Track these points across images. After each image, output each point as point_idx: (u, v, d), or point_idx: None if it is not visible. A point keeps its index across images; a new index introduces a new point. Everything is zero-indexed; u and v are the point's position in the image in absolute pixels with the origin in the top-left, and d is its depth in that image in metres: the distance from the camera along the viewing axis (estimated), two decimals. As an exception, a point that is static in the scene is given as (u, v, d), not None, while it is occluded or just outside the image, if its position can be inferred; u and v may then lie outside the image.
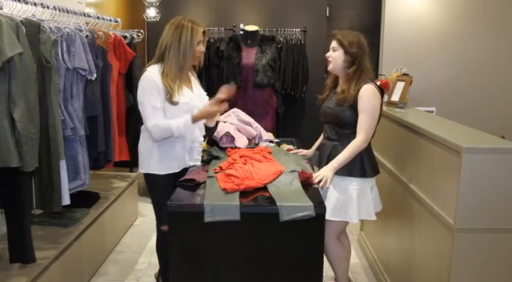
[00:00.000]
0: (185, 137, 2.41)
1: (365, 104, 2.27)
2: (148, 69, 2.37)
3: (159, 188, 2.46)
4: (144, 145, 2.46)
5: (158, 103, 2.31)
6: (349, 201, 2.33)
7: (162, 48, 2.36)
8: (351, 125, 2.31)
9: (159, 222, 2.55)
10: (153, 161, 2.42)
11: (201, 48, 2.41)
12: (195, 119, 2.36)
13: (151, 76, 2.32)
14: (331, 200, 2.35)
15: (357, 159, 2.32)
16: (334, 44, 2.37)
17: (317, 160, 2.47)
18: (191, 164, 2.50)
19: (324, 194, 2.37)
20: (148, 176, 2.47)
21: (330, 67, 2.41)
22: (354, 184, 2.33)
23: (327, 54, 2.40)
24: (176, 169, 2.44)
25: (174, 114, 2.34)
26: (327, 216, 2.31)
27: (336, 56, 2.36)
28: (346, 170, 2.32)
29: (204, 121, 2.50)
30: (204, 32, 2.41)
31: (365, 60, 2.33)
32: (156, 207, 2.53)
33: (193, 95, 2.45)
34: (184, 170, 2.44)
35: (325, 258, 2.04)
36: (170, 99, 2.31)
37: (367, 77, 2.33)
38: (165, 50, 2.35)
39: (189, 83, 2.48)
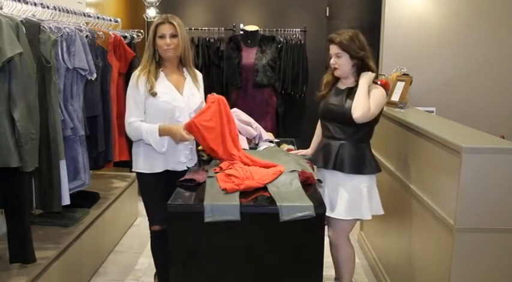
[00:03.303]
0: (165, 137, 2.39)
1: (374, 103, 2.28)
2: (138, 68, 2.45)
3: (146, 188, 2.52)
4: (135, 144, 2.50)
5: (137, 100, 2.36)
6: (361, 199, 2.34)
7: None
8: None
9: (150, 222, 2.56)
10: (140, 160, 2.46)
11: (166, 41, 2.35)
12: (162, 131, 2.33)
13: (135, 73, 2.41)
14: (343, 200, 2.35)
15: (366, 157, 2.34)
16: (336, 49, 2.33)
17: (322, 161, 2.42)
18: (178, 168, 2.46)
19: (335, 194, 2.38)
20: (137, 175, 2.53)
21: (337, 73, 2.39)
22: (363, 182, 2.35)
23: (332, 62, 2.37)
24: (159, 169, 2.44)
25: (153, 111, 2.37)
26: (342, 217, 2.34)
27: (342, 63, 2.33)
28: (354, 169, 2.33)
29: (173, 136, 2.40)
30: (171, 23, 2.35)
31: (369, 58, 2.34)
32: (145, 207, 2.56)
33: (180, 97, 2.41)
34: (172, 173, 2.43)
35: (326, 259, 2.03)
36: (150, 90, 2.33)
37: (373, 71, 2.35)
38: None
39: (180, 83, 2.45)
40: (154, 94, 2.33)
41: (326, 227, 2.49)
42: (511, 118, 4.64)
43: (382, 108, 2.37)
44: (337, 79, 2.45)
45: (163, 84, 2.39)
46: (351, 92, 2.35)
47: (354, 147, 2.34)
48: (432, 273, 2.21)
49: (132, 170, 2.53)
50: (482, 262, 1.99)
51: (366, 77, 2.30)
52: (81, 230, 2.85)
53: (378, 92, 2.31)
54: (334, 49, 2.35)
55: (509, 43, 4.62)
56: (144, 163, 2.45)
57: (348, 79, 2.39)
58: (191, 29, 5.00)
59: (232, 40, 4.79)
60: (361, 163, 2.33)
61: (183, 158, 2.47)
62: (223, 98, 2.48)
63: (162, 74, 2.41)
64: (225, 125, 2.44)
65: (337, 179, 2.38)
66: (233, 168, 2.28)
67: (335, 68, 2.37)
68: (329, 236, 2.50)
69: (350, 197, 2.34)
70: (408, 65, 3.72)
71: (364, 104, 2.25)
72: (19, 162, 2.03)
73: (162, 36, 2.36)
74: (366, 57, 2.32)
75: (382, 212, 2.44)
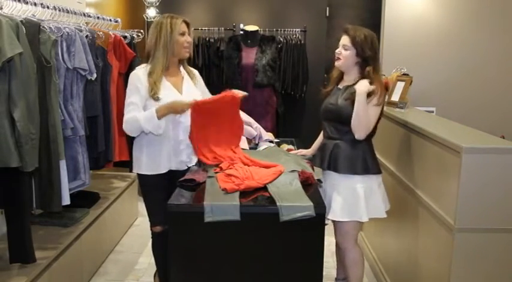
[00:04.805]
0: (168, 137, 2.39)
1: (371, 101, 2.25)
2: (136, 68, 2.43)
3: (148, 189, 2.50)
4: (135, 146, 2.49)
5: (137, 99, 2.32)
6: (357, 200, 2.29)
7: (148, 48, 2.41)
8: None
9: (151, 223, 2.56)
10: (142, 162, 2.44)
11: (187, 38, 2.39)
12: (160, 112, 2.26)
13: (136, 74, 2.38)
14: (338, 201, 2.31)
15: (360, 157, 2.30)
16: (346, 41, 2.29)
17: (318, 160, 2.44)
18: (181, 167, 2.45)
19: (329, 195, 2.37)
20: (139, 177, 2.50)
21: (337, 64, 2.36)
22: (359, 182, 2.30)
23: (337, 51, 2.34)
24: (163, 170, 2.42)
25: None
26: (337, 218, 2.30)
27: (347, 56, 2.30)
28: (349, 168, 2.30)
29: (174, 115, 2.36)
30: (186, 23, 2.39)
31: (378, 61, 2.32)
32: (147, 208, 2.55)
33: (180, 96, 2.39)
34: (175, 173, 2.42)
35: (326, 258, 2.03)
36: (154, 95, 2.31)
37: (379, 76, 2.31)
38: (150, 49, 2.38)
39: (178, 82, 2.44)
40: (156, 99, 2.32)
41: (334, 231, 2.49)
42: (511, 118, 4.64)
43: (383, 107, 2.35)
44: (340, 78, 2.44)
45: (164, 86, 2.37)
46: (345, 90, 2.34)
47: (349, 146, 2.31)
48: (432, 273, 2.21)
49: (134, 171, 2.50)
50: (482, 262, 1.99)
51: (362, 90, 2.21)
52: (81, 230, 2.85)
53: (375, 107, 2.27)
54: (344, 40, 2.31)
55: (509, 43, 4.62)
56: (147, 165, 2.43)
57: (348, 76, 2.37)
58: (191, 29, 5.00)
59: (232, 40, 4.79)
60: (355, 163, 2.29)
61: (185, 157, 2.46)
62: (236, 97, 2.49)
63: (162, 76, 2.40)
64: (222, 124, 2.46)
65: (333, 179, 2.36)
66: (233, 168, 2.28)
67: (338, 58, 2.34)
68: (336, 240, 2.49)
69: (345, 197, 2.30)
70: (408, 65, 3.72)
71: (364, 123, 2.23)
72: (19, 162, 2.03)
73: (184, 34, 2.37)
74: (372, 59, 2.28)
75: (384, 216, 2.37)
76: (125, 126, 2.36)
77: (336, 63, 2.37)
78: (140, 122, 2.28)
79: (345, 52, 2.31)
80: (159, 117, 2.28)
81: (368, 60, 2.28)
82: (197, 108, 2.35)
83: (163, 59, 2.35)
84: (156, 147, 2.40)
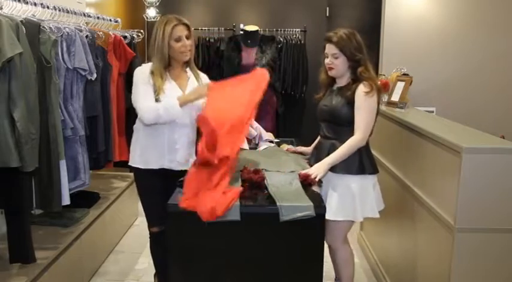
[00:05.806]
0: (163, 134, 2.37)
1: (362, 101, 2.25)
2: (143, 65, 2.43)
3: (141, 186, 2.49)
4: (133, 139, 2.48)
5: (149, 89, 2.30)
6: (352, 200, 2.29)
7: (149, 50, 2.43)
8: (348, 121, 2.29)
9: (148, 223, 2.55)
10: (136, 155, 2.44)
11: (184, 43, 2.31)
12: (182, 101, 2.26)
13: (141, 69, 2.38)
14: (332, 201, 2.31)
15: (356, 157, 2.29)
16: (334, 50, 2.31)
17: (314, 159, 2.43)
18: (174, 166, 2.40)
19: (325, 195, 2.36)
20: (133, 171, 2.50)
21: (332, 73, 2.37)
22: (354, 182, 2.29)
23: (328, 61, 2.35)
24: (153, 166, 2.40)
25: None
26: (332, 217, 2.29)
27: (339, 63, 2.32)
28: (344, 168, 2.29)
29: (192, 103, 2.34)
30: (185, 25, 2.32)
31: (366, 60, 2.32)
32: (144, 209, 2.54)
33: (182, 94, 2.37)
34: (169, 173, 2.38)
35: (326, 259, 2.03)
36: (156, 95, 2.29)
37: (372, 73, 2.31)
38: (150, 52, 2.39)
39: (184, 82, 2.42)
40: (158, 100, 2.30)
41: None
42: (511, 118, 4.64)
43: (378, 106, 2.34)
44: (333, 79, 2.44)
45: (169, 86, 2.35)
46: (339, 90, 2.35)
47: None
48: (432, 273, 2.21)
49: (129, 163, 2.49)
50: (482, 262, 1.99)
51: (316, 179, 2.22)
52: (81, 230, 2.85)
53: (367, 107, 2.26)
54: (331, 49, 2.33)
55: (509, 43, 4.62)
56: (140, 158, 2.42)
57: (342, 78, 2.38)
58: (191, 29, 5.00)
59: (232, 40, 4.79)
60: (350, 163, 2.28)
61: (179, 158, 2.41)
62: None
63: (167, 75, 2.37)
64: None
65: (329, 178, 2.35)
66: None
67: (330, 68, 2.36)
68: (326, 240, 2.49)
69: (340, 197, 2.30)
70: (408, 65, 3.72)
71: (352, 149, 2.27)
72: (19, 162, 2.03)
73: (179, 39, 2.30)
74: (363, 60, 2.30)
75: (377, 216, 2.36)
76: (144, 111, 2.28)
77: (330, 73, 2.39)
78: (160, 110, 2.25)
79: (336, 60, 2.33)
80: (181, 105, 2.26)
81: (359, 61, 2.30)
82: (214, 89, 2.27)
83: (158, 64, 2.32)
84: (150, 142, 2.39)
